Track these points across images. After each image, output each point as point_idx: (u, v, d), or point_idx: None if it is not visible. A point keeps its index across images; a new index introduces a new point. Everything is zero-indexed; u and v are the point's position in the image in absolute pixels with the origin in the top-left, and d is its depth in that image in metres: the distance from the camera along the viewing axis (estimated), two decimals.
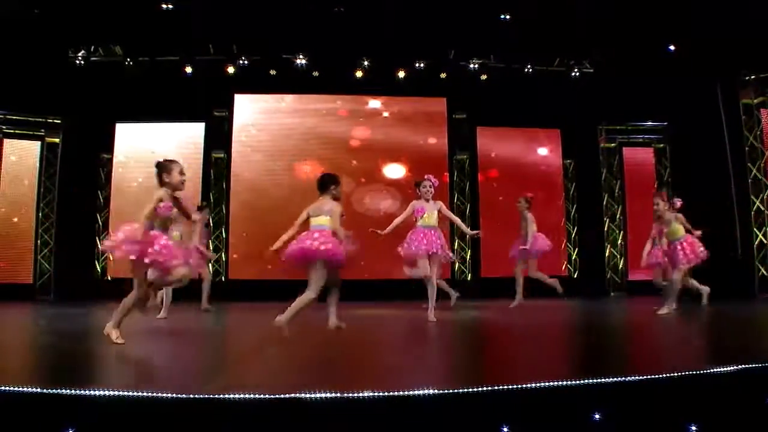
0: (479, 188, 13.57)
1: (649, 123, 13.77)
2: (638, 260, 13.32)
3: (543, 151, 13.93)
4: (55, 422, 2.69)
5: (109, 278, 12.65)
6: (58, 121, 12.78)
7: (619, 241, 13.35)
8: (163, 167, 5.15)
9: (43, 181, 12.69)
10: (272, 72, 12.88)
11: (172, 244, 5.06)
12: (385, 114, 13.73)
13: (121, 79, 12.53)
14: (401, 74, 13.14)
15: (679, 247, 7.82)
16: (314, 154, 13.34)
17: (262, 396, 2.80)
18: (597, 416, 2.82)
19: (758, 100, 11.78)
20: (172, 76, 12.62)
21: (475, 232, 8.62)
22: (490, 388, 2.86)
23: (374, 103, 13.76)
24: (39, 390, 2.84)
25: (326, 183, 5.67)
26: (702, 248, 8.05)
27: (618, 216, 13.52)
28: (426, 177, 7.67)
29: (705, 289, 8.59)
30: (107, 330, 5.02)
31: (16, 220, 12.52)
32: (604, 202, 13.59)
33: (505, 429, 2.70)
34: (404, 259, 7.39)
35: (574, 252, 13.66)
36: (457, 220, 8.27)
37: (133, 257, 4.85)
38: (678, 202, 8.59)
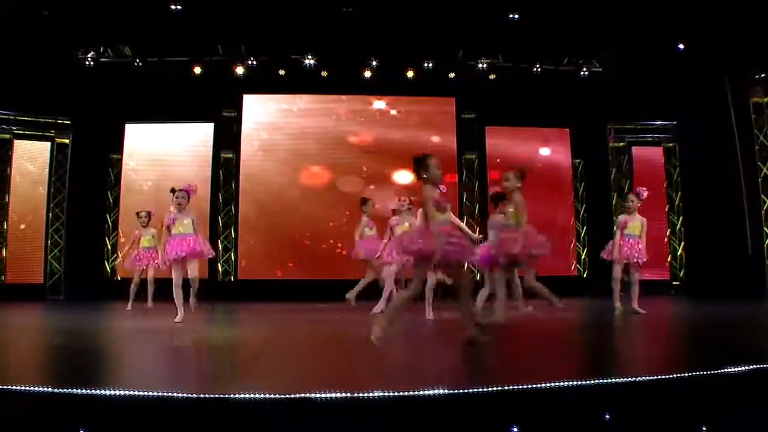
0: (488, 188, 13.54)
1: (659, 122, 13.70)
2: (648, 260, 13.21)
3: (552, 151, 13.89)
4: (66, 422, 2.70)
5: (119, 278, 12.70)
6: (68, 122, 12.84)
7: None
8: (424, 163, 5.00)
9: (53, 181, 12.75)
10: (281, 72, 12.90)
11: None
12: (394, 113, 13.73)
13: (130, 80, 12.58)
14: (410, 74, 13.13)
15: (513, 236, 6.31)
16: (322, 154, 13.36)
17: (272, 396, 2.81)
18: (607, 416, 2.81)
19: None
20: (181, 76, 12.66)
21: (478, 237, 8.58)
22: (499, 388, 2.85)
23: (383, 103, 13.75)
24: (50, 390, 2.85)
25: None
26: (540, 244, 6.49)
27: None
28: None
29: (556, 300, 7.38)
30: (377, 332, 4.81)
31: (23, 227, 12.57)
32: (614, 202, 13.52)
33: (515, 429, 2.69)
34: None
35: (583, 252, 13.62)
36: (464, 226, 8.24)
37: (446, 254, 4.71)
38: (644, 193, 8.38)
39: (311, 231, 12.81)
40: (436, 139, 13.51)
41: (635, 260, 8.08)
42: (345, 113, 13.64)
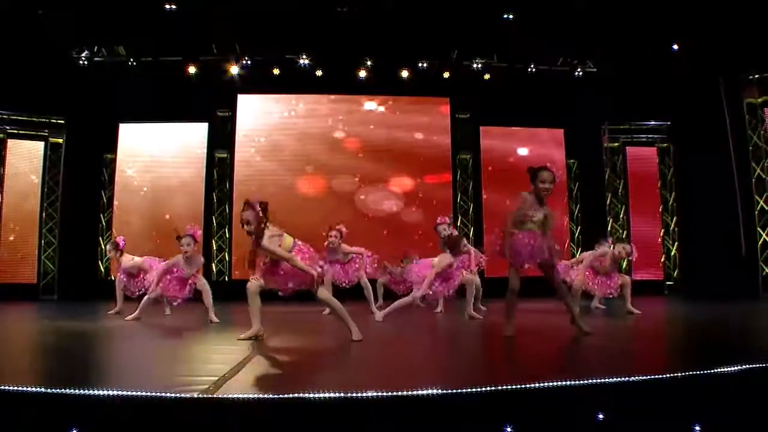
0: (482, 188, 13.56)
1: (653, 122, 13.73)
2: (642, 260, 13.23)
3: (546, 151, 13.88)
4: (59, 422, 2.69)
5: (112, 278, 12.65)
6: (62, 122, 12.79)
7: None
8: (534, 174, 5.73)
9: (46, 181, 12.71)
10: (276, 72, 12.88)
11: None
12: (390, 114, 13.70)
13: (125, 80, 12.55)
14: (404, 74, 13.13)
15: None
16: (317, 155, 13.34)
17: (266, 396, 2.80)
18: (600, 416, 2.82)
19: (762, 99, 11.75)
20: (175, 76, 12.63)
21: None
22: (493, 387, 2.85)
23: (377, 104, 13.73)
24: (42, 390, 2.84)
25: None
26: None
27: (621, 215, 13.49)
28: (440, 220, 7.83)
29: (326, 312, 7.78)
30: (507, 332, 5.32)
31: (13, 237, 12.47)
32: (608, 202, 13.56)
33: (509, 429, 2.69)
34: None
35: (577, 252, 13.61)
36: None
37: None
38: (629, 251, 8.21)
39: (307, 231, 12.76)
40: (432, 139, 13.51)
41: (609, 295, 8.14)
42: (340, 113, 13.60)
